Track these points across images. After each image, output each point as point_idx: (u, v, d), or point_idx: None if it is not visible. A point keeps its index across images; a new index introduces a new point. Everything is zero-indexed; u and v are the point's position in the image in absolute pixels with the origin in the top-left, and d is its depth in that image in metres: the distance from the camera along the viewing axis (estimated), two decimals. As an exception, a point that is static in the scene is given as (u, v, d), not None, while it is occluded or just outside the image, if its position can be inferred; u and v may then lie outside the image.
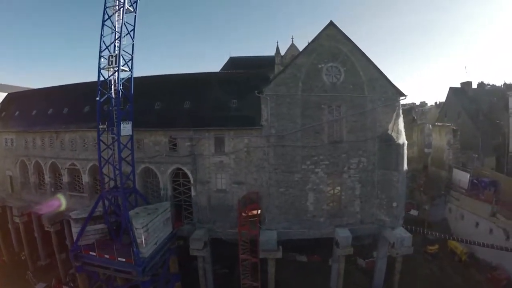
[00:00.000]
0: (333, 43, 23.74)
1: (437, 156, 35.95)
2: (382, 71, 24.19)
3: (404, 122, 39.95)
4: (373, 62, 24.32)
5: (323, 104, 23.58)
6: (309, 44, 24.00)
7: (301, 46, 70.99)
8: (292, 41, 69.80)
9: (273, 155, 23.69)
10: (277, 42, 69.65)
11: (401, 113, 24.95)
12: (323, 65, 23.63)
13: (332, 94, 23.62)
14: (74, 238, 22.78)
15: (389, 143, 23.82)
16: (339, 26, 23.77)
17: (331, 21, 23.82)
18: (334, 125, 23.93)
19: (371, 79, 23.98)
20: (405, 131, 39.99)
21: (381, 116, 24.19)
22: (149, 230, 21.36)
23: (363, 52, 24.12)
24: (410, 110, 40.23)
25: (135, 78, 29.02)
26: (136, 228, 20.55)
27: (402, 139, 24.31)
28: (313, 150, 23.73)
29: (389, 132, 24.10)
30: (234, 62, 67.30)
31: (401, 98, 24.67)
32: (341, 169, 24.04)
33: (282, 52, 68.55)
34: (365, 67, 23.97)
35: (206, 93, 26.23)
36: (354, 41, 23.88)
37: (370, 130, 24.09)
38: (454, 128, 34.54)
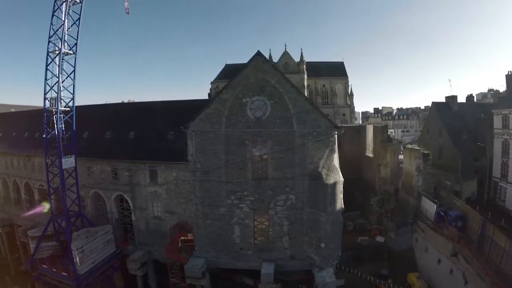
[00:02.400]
0: (260, 74, 20.46)
1: (407, 181, 30.33)
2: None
3: (380, 140, 35.13)
4: (303, 94, 20.73)
5: (246, 140, 20.71)
6: (234, 77, 21.03)
7: (294, 53, 65.58)
8: (285, 48, 65.19)
9: (199, 189, 21.77)
10: (270, 50, 65.34)
11: (336, 149, 20.94)
12: (248, 99, 20.60)
13: (257, 129, 20.59)
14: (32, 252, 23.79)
15: (317, 181, 20.21)
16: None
17: (258, 51, 20.57)
18: (259, 162, 20.97)
19: (301, 112, 20.34)
20: (380, 151, 35.02)
21: (313, 152, 20.52)
22: (84, 251, 21.70)
23: (293, 83, 20.55)
24: (385, 128, 34.39)
25: (95, 106, 29.11)
26: (71, 250, 20.92)
27: (334, 178, 20.48)
28: (237, 186, 21.21)
29: (319, 169, 20.39)
30: (230, 69, 64.75)
31: (335, 132, 20.66)
32: (267, 206, 21.21)
33: (276, 59, 64.38)
34: (295, 99, 20.34)
35: (150, 123, 24.96)
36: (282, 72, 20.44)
37: (299, 167, 20.64)
38: (425, 152, 28.49)
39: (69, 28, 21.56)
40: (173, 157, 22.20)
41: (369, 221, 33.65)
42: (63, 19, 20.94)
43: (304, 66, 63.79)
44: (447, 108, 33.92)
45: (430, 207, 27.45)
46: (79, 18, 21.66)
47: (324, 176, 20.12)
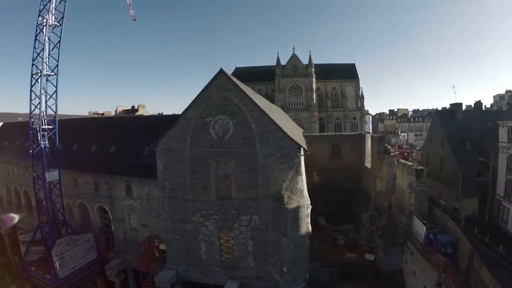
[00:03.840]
0: (223, 93, 19.80)
1: (400, 197, 27.85)
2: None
3: (377, 152, 32.67)
4: (267, 113, 19.68)
5: (210, 159, 20.29)
6: (198, 95, 20.59)
7: (303, 55, 63.27)
8: (294, 51, 62.97)
9: (167, 205, 21.83)
10: (278, 53, 63.85)
11: (301, 171, 19.78)
12: (211, 118, 20.12)
13: (219, 149, 20.06)
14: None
15: (279, 205, 19.23)
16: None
17: (221, 68, 19.89)
18: (223, 181, 20.51)
19: (264, 132, 19.41)
20: (377, 162, 32.58)
21: (276, 174, 19.50)
22: (64, 257, 22.93)
23: (256, 102, 19.69)
24: (382, 138, 31.88)
25: (83, 118, 30.51)
26: (52, 256, 22.36)
27: (298, 201, 19.28)
28: (203, 204, 20.94)
29: (282, 192, 19.40)
30: (239, 72, 64.39)
31: (300, 153, 19.50)
32: (231, 225, 20.68)
33: (284, 62, 62.51)
34: (258, 118, 19.43)
35: (129, 138, 25.48)
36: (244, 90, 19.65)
37: (263, 188, 19.74)
38: (418, 168, 25.78)
39: (51, 50, 22.74)
40: (146, 173, 22.44)
41: (361, 237, 31.74)
42: (43, 42, 22.05)
43: (313, 69, 61.43)
44: (450, 117, 30.41)
45: (420, 228, 24.91)
46: (59, 41, 22.64)
47: (286, 200, 19.03)
